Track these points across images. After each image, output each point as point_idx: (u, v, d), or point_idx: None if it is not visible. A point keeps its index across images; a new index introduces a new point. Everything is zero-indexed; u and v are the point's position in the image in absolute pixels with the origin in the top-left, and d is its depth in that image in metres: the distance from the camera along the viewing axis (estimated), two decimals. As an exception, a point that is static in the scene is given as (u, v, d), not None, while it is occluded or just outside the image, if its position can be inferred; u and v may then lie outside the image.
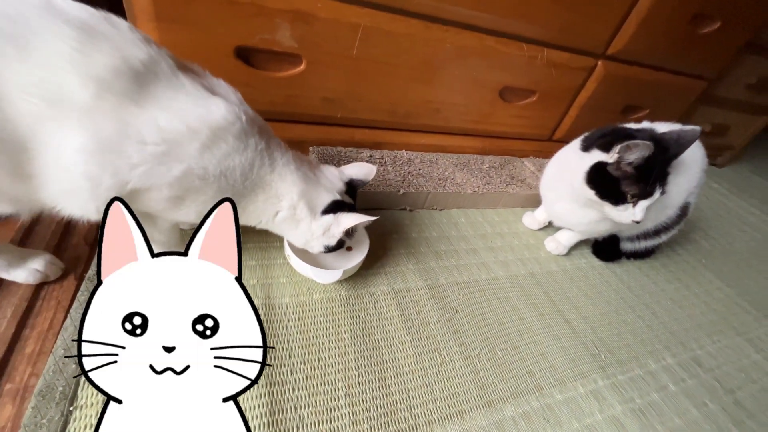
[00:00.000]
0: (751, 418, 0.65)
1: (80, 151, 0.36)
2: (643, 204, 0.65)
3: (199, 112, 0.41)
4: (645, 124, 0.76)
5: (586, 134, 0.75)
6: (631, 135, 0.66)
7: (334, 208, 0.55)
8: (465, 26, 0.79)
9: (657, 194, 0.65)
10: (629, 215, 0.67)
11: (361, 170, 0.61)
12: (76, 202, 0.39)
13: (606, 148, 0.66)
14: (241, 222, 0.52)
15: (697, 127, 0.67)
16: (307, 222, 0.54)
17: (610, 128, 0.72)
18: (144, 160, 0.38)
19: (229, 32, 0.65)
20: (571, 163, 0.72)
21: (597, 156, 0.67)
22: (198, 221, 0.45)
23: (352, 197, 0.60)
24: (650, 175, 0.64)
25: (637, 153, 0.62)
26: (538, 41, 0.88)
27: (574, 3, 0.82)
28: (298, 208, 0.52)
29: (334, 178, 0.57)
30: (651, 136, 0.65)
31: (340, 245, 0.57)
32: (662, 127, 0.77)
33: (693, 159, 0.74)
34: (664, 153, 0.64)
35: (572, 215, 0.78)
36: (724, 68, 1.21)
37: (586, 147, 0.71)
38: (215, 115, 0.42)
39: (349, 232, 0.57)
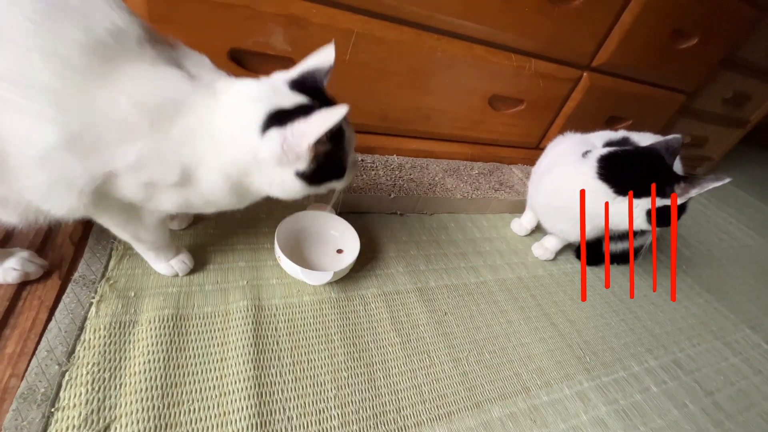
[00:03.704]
0: (730, 419, 0.67)
1: (51, 147, 0.34)
2: None
3: (154, 87, 0.37)
4: (622, 133, 0.79)
5: (601, 159, 0.69)
6: (641, 159, 0.68)
7: (274, 118, 0.40)
8: (456, 35, 0.81)
9: None
10: None
11: (314, 60, 0.45)
12: (56, 198, 0.38)
13: (645, 190, 0.66)
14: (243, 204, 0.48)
15: (678, 136, 0.70)
16: (251, 155, 0.40)
17: (617, 154, 0.70)
18: (106, 142, 0.36)
19: (223, 34, 0.65)
20: (597, 202, 0.70)
21: (643, 201, 0.66)
22: (184, 209, 0.44)
23: (319, 95, 0.44)
24: None
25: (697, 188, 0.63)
26: (526, 52, 0.91)
27: (560, 16, 0.85)
28: (228, 144, 0.40)
29: (261, 86, 0.42)
30: (651, 149, 0.68)
31: (324, 169, 0.43)
32: (639, 137, 0.80)
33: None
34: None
35: (573, 229, 0.79)
36: (702, 82, 1.26)
37: (618, 190, 0.67)
38: (166, 91, 0.38)
39: (333, 137, 0.42)
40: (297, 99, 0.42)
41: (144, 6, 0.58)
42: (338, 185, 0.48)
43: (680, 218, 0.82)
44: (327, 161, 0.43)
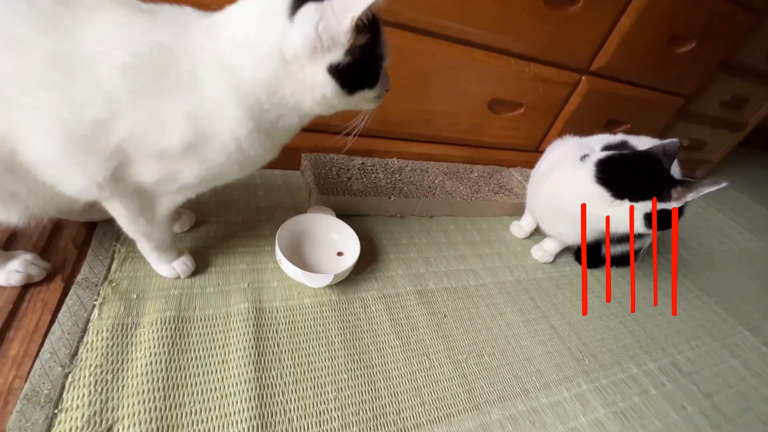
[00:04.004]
0: (728, 422, 0.67)
1: (40, 130, 0.34)
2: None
3: (129, 42, 0.35)
4: (620, 137, 0.80)
5: (599, 163, 0.70)
6: (639, 163, 0.68)
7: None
8: (456, 40, 0.82)
9: None
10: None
11: None
12: (71, 181, 0.38)
13: (643, 194, 0.66)
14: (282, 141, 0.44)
15: (675, 140, 0.70)
16: (275, 49, 0.36)
17: (614, 158, 0.71)
18: (94, 117, 0.35)
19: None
20: (595, 205, 0.70)
21: (641, 205, 0.67)
22: (208, 181, 0.43)
23: None
24: None
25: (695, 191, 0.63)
26: (526, 56, 0.91)
27: (559, 21, 0.86)
28: (245, 44, 0.36)
29: None
30: (649, 153, 0.69)
31: (359, 68, 0.37)
32: (637, 140, 0.81)
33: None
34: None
35: (572, 232, 0.79)
36: (700, 86, 1.27)
37: (616, 193, 0.68)
38: (134, 44, 0.35)
39: (369, 24, 0.36)
40: None
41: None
42: (370, 96, 0.43)
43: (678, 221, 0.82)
44: (363, 58, 0.37)
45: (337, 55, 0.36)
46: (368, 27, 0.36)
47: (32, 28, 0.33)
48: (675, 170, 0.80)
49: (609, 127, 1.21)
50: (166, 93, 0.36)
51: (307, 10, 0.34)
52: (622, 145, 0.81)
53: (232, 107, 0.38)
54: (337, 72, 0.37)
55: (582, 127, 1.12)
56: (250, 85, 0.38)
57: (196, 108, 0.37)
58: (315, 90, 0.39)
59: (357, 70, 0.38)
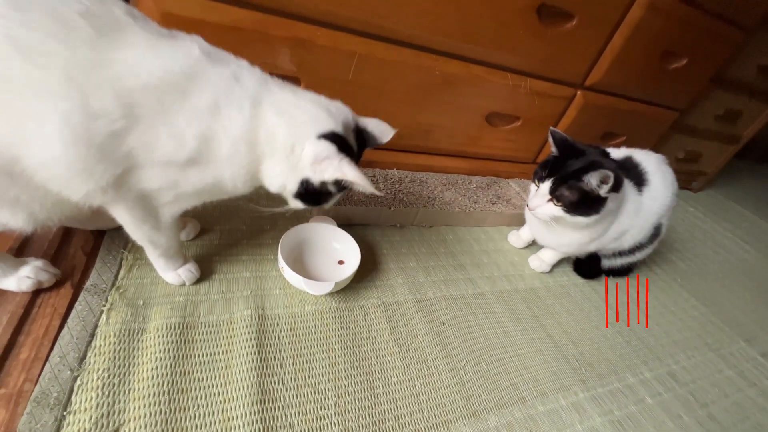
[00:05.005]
0: None
1: (52, 137, 0.35)
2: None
3: (151, 64, 0.39)
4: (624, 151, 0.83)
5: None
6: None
7: (335, 140, 0.45)
8: (454, 56, 0.85)
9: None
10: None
11: (376, 126, 0.53)
12: (75, 187, 0.40)
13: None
14: (249, 186, 0.49)
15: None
16: (291, 141, 0.45)
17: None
18: (109, 125, 0.37)
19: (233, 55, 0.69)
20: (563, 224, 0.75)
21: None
22: (204, 195, 0.47)
23: (358, 153, 0.51)
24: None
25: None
26: (522, 71, 0.94)
27: (553, 38, 0.89)
28: (278, 132, 0.44)
29: (339, 108, 0.49)
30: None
31: (317, 193, 0.48)
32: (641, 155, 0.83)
33: (664, 182, 0.80)
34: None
35: (559, 239, 0.82)
36: (693, 100, 1.30)
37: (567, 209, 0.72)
38: (167, 65, 0.39)
39: (342, 187, 0.48)
40: (353, 141, 0.50)
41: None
42: (308, 207, 0.53)
43: (654, 241, 0.84)
44: (325, 191, 0.50)
45: (315, 179, 0.47)
46: (344, 185, 0.49)
47: (55, 40, 0.35)
48: (669, 180, 0.82)
49: (605, 139, 1.23)
50: (185, 112, 0.40)
51: (326, 146, 0.45)
52: (626, 160, 0.83)
53: (242, 142, 0.44)
54: (305, 184, 0.48)
55: (579, 139, 1.13)
56: (266, 141, 0.45)
57: (208, 129, 0.42)
58: (289, 184, 0.49)
59: (316, 193, 0.49)
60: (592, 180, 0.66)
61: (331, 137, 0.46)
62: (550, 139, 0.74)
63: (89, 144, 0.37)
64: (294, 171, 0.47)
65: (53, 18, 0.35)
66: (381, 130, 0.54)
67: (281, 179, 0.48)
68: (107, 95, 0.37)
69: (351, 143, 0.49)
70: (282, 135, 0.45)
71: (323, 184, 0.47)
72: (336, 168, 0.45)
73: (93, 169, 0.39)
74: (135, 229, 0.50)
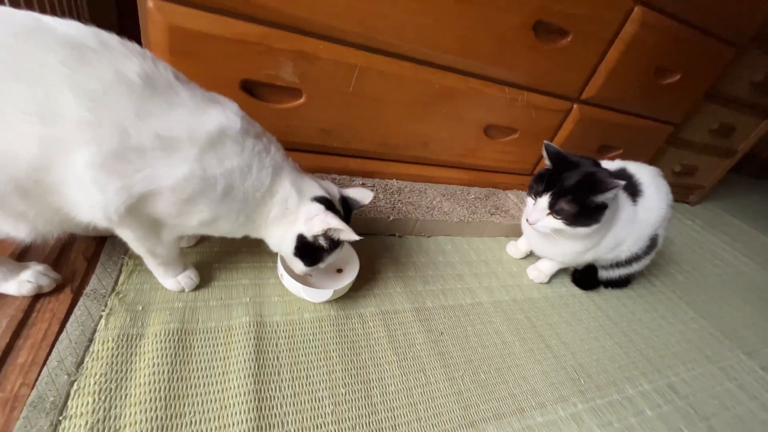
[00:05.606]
0: (725, 445, 0.67)
1: (87, 165, 0.38)
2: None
3: (197, 120, 0.44)
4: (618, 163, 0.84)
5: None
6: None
7: (324, 202, 0.56)
8: (452, 70, 0.87)
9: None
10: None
11: (357, 193, 0.64)
12: (88, 209, 0.41)
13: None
14: (243, 233, 0.56)
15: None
16: (293, 209, 0.54)
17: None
18: (145, 164, 0.41)
19: (237, 67, 0.70)
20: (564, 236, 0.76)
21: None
22: (201, 230, 0.48)
23: (347, 217, 0.61)
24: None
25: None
26: (519, 85, 0.97)
27: (550, 54, 0.92)
28: (289, 199, 0.54)
29: (329, 186, 0.60)
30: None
31: (312, 249, 0.56)
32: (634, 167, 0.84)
33: (658, 194, 0.81)
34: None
35: (555, 249, 0.82)
36: (688, 115, 1.32)
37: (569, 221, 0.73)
38: (213, 123, 0.45)
39: (333, 243, 0.57)
40: (340, 207, 0.60)
41: (165, 42, 0.64)
42: (304, 268, 0.59)
43: (651, 252, 0.84)
44: (318, 247, 0.56)
45: (308, 233, 0.55)
46: (337, 242, 0.57)
47: (114, 92, 0.39)
48: (664, 192, 0.83)
49: (602, 152, 1.25)
50: (215, 161, 0.46)
51: (316, 207, 0.55)
52: (620, 172, 0.84)
53: (258, 198, 0.52)
54: (300, 239, 0.55)
55: (576, 151, 1.15)
56: (268, 192, 0.52)
57: (230, 179, 0.47)
58: (285, 237, 0.56)
59: (311, 248, 0.56)
60: (606, 198, 0.69)
61: (321, 200, 0.55)
62: (545, 153, 0.75)
63: (118, 169, 0.40)
64: (292, 227, 0.55)
65: (113, 73, 0.39)
66: (362, 195, 0.63)
67: (281, 234, 0.56)
68: (150, 139, 0.41)
69: (338, 208, 0.58)
70: (293, 199, 0.54)
71: (315, 238, 0.55)
72: (322, 220, 0.53)
73: (115, 192, 0.41)
74: (137, 245, 0.51)
